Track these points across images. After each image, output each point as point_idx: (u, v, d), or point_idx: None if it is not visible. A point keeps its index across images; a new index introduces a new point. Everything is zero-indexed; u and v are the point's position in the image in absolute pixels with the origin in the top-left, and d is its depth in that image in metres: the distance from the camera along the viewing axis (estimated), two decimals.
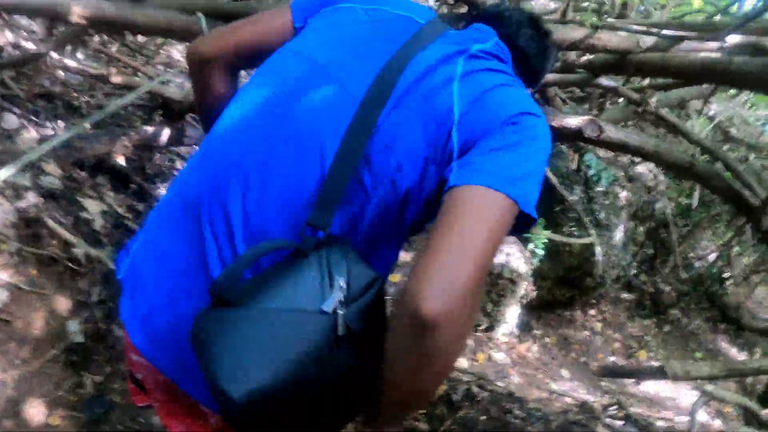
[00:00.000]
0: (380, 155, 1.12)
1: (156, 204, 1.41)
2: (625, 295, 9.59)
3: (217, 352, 0.96)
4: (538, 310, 8.18)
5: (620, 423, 3.18)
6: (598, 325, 8.65)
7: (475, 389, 2.90)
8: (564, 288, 7.85)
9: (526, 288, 6.02)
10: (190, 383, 1.21)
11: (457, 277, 0.95)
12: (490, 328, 6.23)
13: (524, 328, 7.71)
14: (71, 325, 2.97)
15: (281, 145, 1.16)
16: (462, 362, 5.45)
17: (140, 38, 5.64)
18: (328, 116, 1.14)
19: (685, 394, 8.09)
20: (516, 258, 5.82)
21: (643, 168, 7.88)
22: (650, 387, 7.93)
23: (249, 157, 1.16)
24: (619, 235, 7.67)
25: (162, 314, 1.22)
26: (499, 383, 6.00)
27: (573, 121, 2.73)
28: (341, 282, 1.02)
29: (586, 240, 6.83)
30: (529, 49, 1.38)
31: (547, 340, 7.85)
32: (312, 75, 1.19)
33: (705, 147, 3.61)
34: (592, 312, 8.77)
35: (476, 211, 1.01)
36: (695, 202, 7.37)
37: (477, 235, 0.99)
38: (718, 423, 7.84)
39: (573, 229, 7.02)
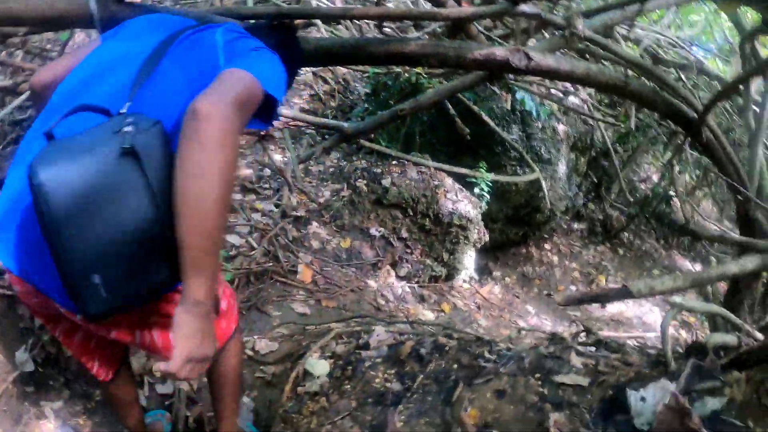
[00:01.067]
0: (165, 72, 1.60)
1: None
2: (576, 226, 9.70)
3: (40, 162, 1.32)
4: (494, 252, 8.21)
5: (592, 349, 3.14)
6: (555, 258, 8.74)
7: (442, 339, 2.82)
8: (515, 227, 7.88)
9: (478, 232, 5.99)
10: (41, 279, 1.52)
11: (224, 94, 1.38)
12: (450, 277, 6.20)
13: (483, 272, 7.74)
14: (18, 354, 2.80)
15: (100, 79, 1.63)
16: (428, 315, 5.44)
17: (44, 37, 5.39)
18: (126, 59, 1.65)
19: (649, 312, 8.26)
20: (464, 204, 5.79)
21: (577, 99, 7.90)
22: (614, 309, 8.06)
23: (76, 84, 1.66)
24: (562, 167, 7.69)
25: (11, 227, 1.51)
26: (467, 330, 6.03)
27: (499, 52, 2.63)
28: (129, 119, 1.40)
29: (530, 177, 6.85)
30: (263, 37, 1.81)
31: (507, 280, 7.91)
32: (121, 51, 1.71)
33: (638, 64, 3.57)
34: (547, 246, 8.86)
35: (233, 75, 1.48)
36: (632, 123, 7.40)
37: (238, 82, 1.45)
38: (684, 333, 8.06)
39: (516, 168, 7.02)
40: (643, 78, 4.17)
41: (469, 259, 6.29)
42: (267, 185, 5.82)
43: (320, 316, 4.32)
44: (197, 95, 1.37)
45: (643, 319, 7.98)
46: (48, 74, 1.82)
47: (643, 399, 1.71)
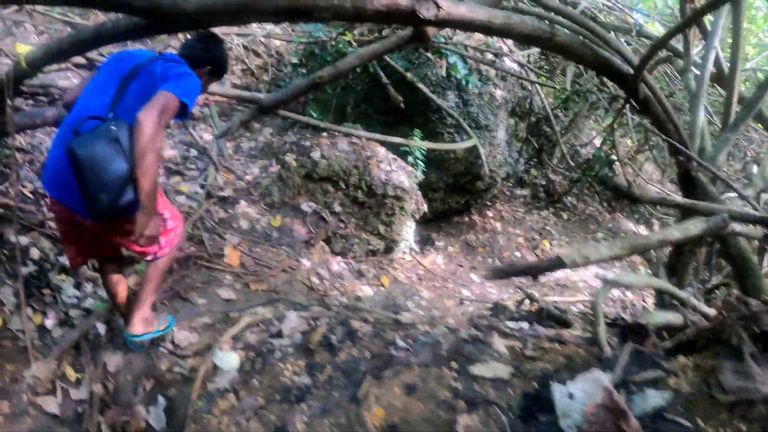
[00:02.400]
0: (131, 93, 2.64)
1: None
2: (519, 192, 9.54)
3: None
4: (437, 221, 7.99)
5: (525, 325, 2.90)
6: (498, 225, 8.56)
7: (356, 324, 2.58)
8: (456, 195, 7.65)
9: (416, 202, 5.74)
10: (70, 200, 2.64)
11: (152, 108, 2.39)
12: (389, 250, 5.95)
13: (425, 242, 7.51)
14: None
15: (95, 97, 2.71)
16: (366, 291, 5.19)
17: None
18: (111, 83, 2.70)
19: (595, 276, 8.17)
20: (397, 174, 5.52)
21: (514, 64, 7.69)
22: (560, 274, 7.93)
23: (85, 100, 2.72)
24: (501, 133, 7.47)
25: (52, 170, 2.70)
26: (409, 303, 5.83)
27: (404, 1, 2.35)
28: (113, 123, 2.50)
29: (467, 143, 6.60)
30: (189, 53, 2.95)
31: (450, 249, 7.70)
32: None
33: (567, 15, 3.33)
34: (490, 213, 8.68)
35: (160, 96, 2.45)
36: (568, 84, 7.22)
37: (162, 98, 2.44)
38: (630, 296, 8.00)
39: (453, 135, 6.77)
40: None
41: (408, 231, 6.04)
42: (193, 166, 5.47)
43: (248, 301, 4.01)
44: (141, 109, 2.40)
45: (588, 283, 7.88)
46: (71, 95, 2.94)
47: (570, 396, 1.45)
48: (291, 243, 4.94)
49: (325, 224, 5.24)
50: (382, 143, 5.74)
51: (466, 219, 8.41)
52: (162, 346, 3.39)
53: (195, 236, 4.49)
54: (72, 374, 3.28)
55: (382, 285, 5.66)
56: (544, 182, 9.86)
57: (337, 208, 5.34)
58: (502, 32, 2.73)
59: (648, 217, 11.42)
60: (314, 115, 6.02)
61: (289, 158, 5.25)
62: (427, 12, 2.36)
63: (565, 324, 3.89)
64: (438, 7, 2.36)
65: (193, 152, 5.61)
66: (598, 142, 10.93)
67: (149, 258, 3.00)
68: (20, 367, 3.18)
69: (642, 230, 10.82)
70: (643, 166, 13.37)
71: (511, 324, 2.68)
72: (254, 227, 4.88)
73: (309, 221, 5.18)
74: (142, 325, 3.16)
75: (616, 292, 7.99)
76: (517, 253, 8.22)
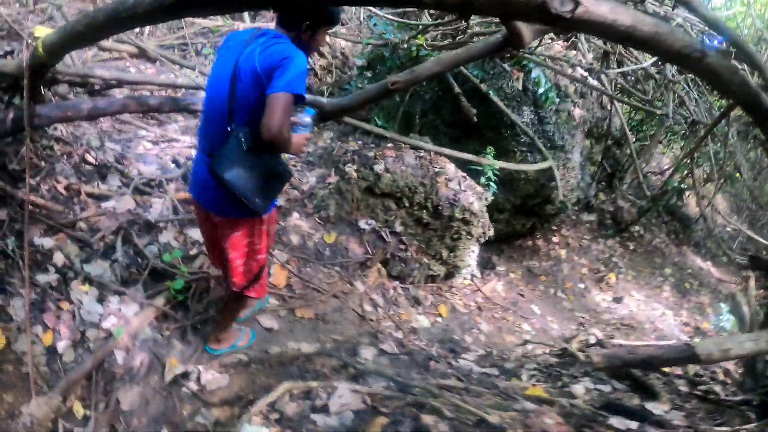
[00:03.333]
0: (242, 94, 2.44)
1: None
2: (585, 217, 8.71)
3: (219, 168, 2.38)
4: (498, 244, 7.24)
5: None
6: (563, 252, 7.78)
7: (427, 419, 1.90)
8: (523, 217, 6.90)
9: (482, 226, 5.03)
10: (203, 199, 2.71)
11: (274, 121, 2.23)
12: (449, 276, 5.26)
13: (486, 266, 6.77)
14: None
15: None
16: (422, 321, 4.52)
17: None
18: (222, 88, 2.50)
19: (661, 316, 7.32)
20: (466, 194, 4.83)
21: (595, 82, 6.90)
22: (624, 311, 7.13)
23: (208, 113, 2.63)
24: (576, 155, 6.70)
25: (194, 175, 2.74)
26: (466, 336, 5.13)
27: None
28: (240, 133, 2.40)
29: (542, 165, 5.87)
30: (282, 19, 2.54)
31: (512, 275, 6.95)
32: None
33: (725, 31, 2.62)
34: (555, 239, 7.90)
35: (272, 103, 2.26)
36: (670, 110, 6.40)
37: (278, 104, 2.25)
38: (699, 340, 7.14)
39: (527, 154, 6.05)
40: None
41: (471, 256, 5.34)
42: None
43: (292, 334, 3.40)
44: (263, 120, 2.27)
45: (655, 324, 7.04)
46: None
47: None
48: (345, 264, 4.30)
49: (384, 245, 4.58)
50: (452, 159, 5.06)
51: (530, 243, 7.66)
52: (186, 385, 2.78)
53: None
54: (79, 409, 2.70)
55: (440, 315, 4.98)
56: (612, 208, 9.02)
57: (399, 228, 4.68)
58: (647, 44, 1.99)
59: (714, 251, 10.46)
60: (379, 122, 5.38)
61: (350, 169, 4.61)
62: (561, 7, 1.66)
63: (651, 393, 3.17)
64: (576, 2, 1.67)
65: None
66: (667, 168, 10.09)
67: (232, 286, 2.84)
68: (20, 399, 2.62)
69: (709, 266, 9.88)
70: (715, 196, 12.38)
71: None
72: (305, 243, 4.26)
73: (366, 240, 4.53)
74: (217, 343, 3.16)
75: (668, 321, 7.16)
76: (581, 285, 7.43)
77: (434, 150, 4.95)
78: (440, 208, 4.69)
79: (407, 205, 4.67)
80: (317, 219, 4.46)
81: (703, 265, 9.74)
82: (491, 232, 5.18)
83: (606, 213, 9.01)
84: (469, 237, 4.97)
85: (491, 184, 5.23)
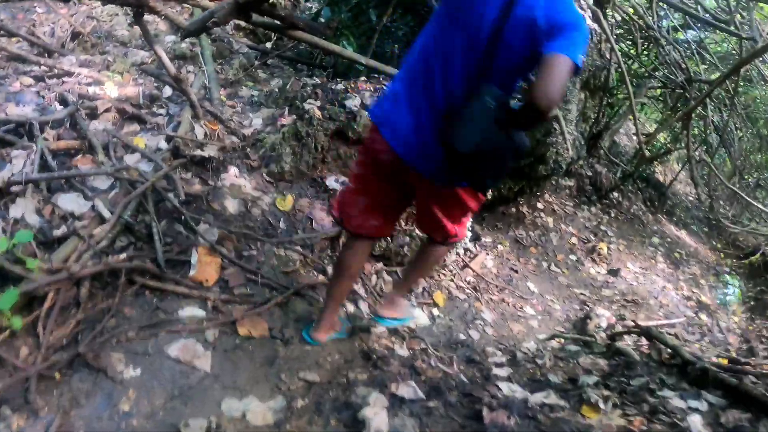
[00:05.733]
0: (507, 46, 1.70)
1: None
2: (564, 182, 7.26)
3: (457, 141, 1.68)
4: (481, 212, 5.77)
5: None
6: (549, 220, 6.30)
7: None
8: (511, 180, 5.38)
9: None
10: (420, 162, 1.89)
11: (554, 88, 1.54)
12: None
13: (470, 238, 5.28)
14: None
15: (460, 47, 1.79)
16: (419, 316, 2.99)
17: None
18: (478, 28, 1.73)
19: (662, 290, 5.98)
20: None
21: (593, 23, 5.38)
22: (623, 286, 5.75)
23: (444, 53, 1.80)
24: (574, 108, 5.20)
25: (410, 129, 1.87)
26: (471, 331, 3.63)
27: None
28: (488, 96, 1.66)
29: None
30: None
31: (500, 248, 5.41)
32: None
33: None
34: (539, 205, 6.40)
35: (555, 63, 1.55)
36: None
37: (562, 70, 1.55)
38: (704, 318, 5.82)
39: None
40: None
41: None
42: (162, 111, 3.18)
43: (230, 378, 1.81)
44: (539, 85, 1.54)
45: (660, 300, 5.68)
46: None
47: None
48: (309, 241, 2.67)
49: None
50: None
51: (513, 210, 6.14)
52: None
53: (137, 229, 2.22)
54: None
55: (436, 304, 3.44)
56: (590, 173, 7.61)
57: None
58: None
59: (684, 219, 9.26)
60: (349, 47, 3.73)
61: (312, 107, 2.97)
62: None
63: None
64: None
65: (167, 92, 3.33)
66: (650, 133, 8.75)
67: (451, 240, 2.27)
68: None
69: (684, 235, 8.67)
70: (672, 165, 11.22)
71: None
72: (248, 212, 2.62)
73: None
74: (391, 309, 2.43)
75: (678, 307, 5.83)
76: (573, 256, 5.97)
77: None
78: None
79: None
80: (265, 175, 2.82)
81: (678, 234, 8.49)
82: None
83: (585, 178, 7.60)
84: None
85: None
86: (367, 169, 2.07)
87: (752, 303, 6.80)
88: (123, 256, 2.03)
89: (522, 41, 1.64)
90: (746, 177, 7.82)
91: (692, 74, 6.53)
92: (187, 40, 4.33)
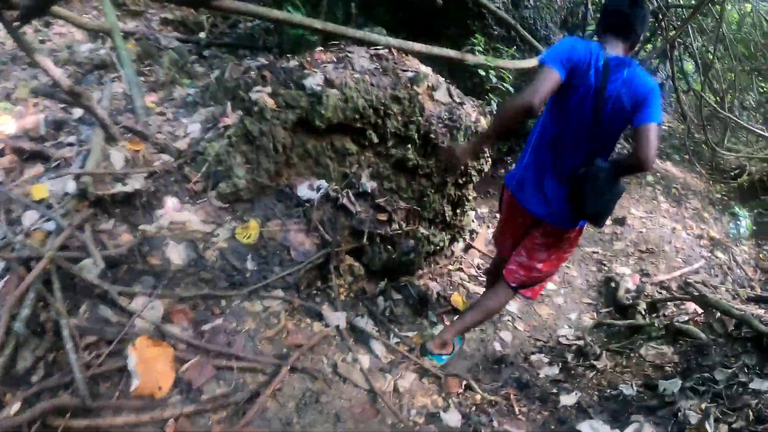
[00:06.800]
0: (609, 121, 2.05)
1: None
2: None
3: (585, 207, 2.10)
4: (470, 178, 5.01)
5: None
6: None
7: None
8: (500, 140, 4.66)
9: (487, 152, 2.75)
10: (542, 213, 2.22)
11: (651, 153, 1.88)
12: (453, 241, 2.98)
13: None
14: None
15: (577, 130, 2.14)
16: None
17: None
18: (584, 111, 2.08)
19: (672, 233, 5.33)
20: (466, 108, 2.50)
21: None
22: (633, 235, 5.08)
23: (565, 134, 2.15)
24: None
25: (534, 190, 2.23)
26: (503, 333, 2.90)
27: None
28: (602, 170, 2.07)
29: (532, 62, 3.62)
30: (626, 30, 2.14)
31: (498, 216, 4.73)
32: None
33: None
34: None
35: (649, 132, 1.89)
36: None
37: (654, 137, 1.91)
38: (720, 255, 5.20)
39: (500, 52, 3.76)
40: None
41: (473, 204, 3.06)
42: (72, 138, 2.32)
43: None
44: (639, 150, 1.88)
45: (674, 244, 5.03)
46: (541, 94, 1.96)
47: None
48: (290, 278, 1.88)
49: (350, 219, 2.19)
50: (424, 58, 2.68)
51: (503, 171, 5.41)
52: None
53: (45, 329, 1.41)
54: None
55: (456, 311, 2.69)
56: None
57: (369, 184, 2.29)
58: None
59: (665, 150, 8.65)
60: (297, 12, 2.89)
61: (261, 95, 2.16)
62: None
63: None
64: None
65: (78, 112, 2.47)
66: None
67: (514, 283, 2.40)
68: None
69: (670, 167, 8.04)
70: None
71: None
72: (201, 257, 1.83)
73: (318, 219, 2.11)
74: (441, 346, 2.37)
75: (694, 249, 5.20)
76: None
77: (397, 46, 2.55)
78: (431, 136, 2.33)
79: (376, 140, 2.29)
80: (215, 200, 2.01)
81: (665, 167, 7.87)
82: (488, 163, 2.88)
83: None
84: (476, 176, 2.66)
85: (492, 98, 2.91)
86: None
87: (755, 228, 6.21)
88: (31, 389, 1.23)
89: (618, 122, 2.00)
90: (728, 102, 7.17)
91: None
92: (105, 44, 3.47)
